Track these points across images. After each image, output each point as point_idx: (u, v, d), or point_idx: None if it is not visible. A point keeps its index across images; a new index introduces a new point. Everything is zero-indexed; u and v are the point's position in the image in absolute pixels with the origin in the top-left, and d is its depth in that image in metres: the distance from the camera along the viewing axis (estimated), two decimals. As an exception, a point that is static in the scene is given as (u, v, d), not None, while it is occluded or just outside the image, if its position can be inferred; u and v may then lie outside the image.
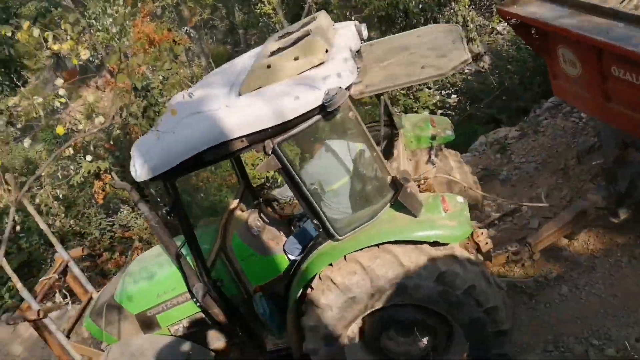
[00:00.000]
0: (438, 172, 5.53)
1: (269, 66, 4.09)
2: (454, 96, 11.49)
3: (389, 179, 4.43)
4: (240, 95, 4.11)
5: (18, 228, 10.89)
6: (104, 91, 14.44)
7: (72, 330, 5.68)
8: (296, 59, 4.08)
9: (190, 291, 4.89)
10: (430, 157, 5.56)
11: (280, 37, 4.66)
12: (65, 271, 5.72)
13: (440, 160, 5.71)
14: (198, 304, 4.95)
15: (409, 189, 4.24)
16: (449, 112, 11.30)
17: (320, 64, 4.07)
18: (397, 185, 4.35)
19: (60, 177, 9.39)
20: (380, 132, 5.29)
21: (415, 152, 5.66)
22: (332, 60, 4.07)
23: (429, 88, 11.10)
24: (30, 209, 5.35)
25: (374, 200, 4.49)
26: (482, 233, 5.23)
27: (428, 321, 4.62)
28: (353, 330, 4.73)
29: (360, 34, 4.63)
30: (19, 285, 4.49)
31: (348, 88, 3.95)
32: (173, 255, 4.74)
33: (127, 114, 5.00)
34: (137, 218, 10.95)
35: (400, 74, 4.17)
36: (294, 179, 4.16)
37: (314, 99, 3.80)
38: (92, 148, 9.50)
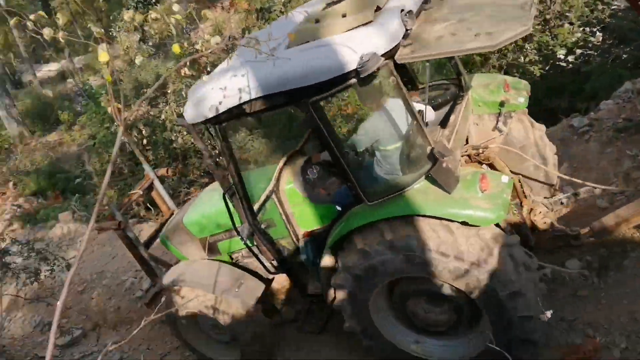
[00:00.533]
0: (505, 143, 5.25)
1: (317, 20, 4.06)
2: (598, 34, 9.94)
3: (428, 149, 4.18)
4: (288, 48, 4.06)
5: (145, 142, 11.49)
6: (229, 12, 14.47)
7: (152, 242, 6.29)
8: (344, 15, 3.97)
9: (236, 229, 5.08)
10: (497, 123, 5.26)
11: None
12: (151, 187, 6.17)
13: (512, 130, 5.40)
14: (243, 242, 5.13)
15: (444, 164, 4.03)
16: (590, 51, 9.84)
17: (367, 22, 3.92)
18: (434, 157, 4.10)
19: (184, 95, 9.63)
20: (446, 92, 5.24)
21: (483, 116, 5.37)
22: (378, 21, 3.92)
23: (571, 24, 9.64)
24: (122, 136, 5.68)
25: (407, 169, 4.42)
26: (539, 212, 5.07)
27: (454, 297, 4.48)
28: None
29: None
30: (106, 198, 4.89)
31: (391, 52, 3.83)
32: (224, 192, 4.92)
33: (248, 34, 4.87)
34: (253, 140, 11.02)
35: (451, 40, 3.81)
36: (327, 139, 4.14)
37: (348, 63, 3.72)
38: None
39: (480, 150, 5.04)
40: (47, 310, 8.42)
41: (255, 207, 5.10)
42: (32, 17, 2.93)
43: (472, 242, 4.09)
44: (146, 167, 6.40)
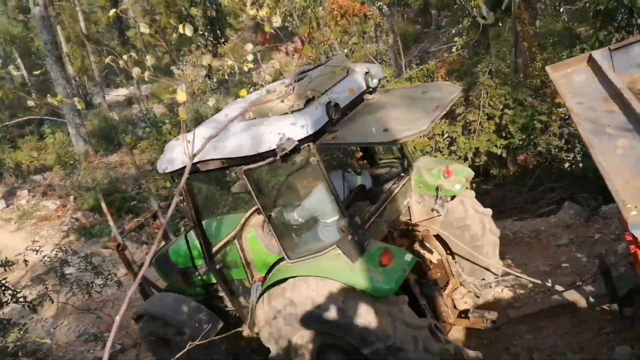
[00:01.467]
0: (444, 224, 5.91)
1: (264, 102, 4.75)
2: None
3: (340, 222, 4.84)
4: (240, 121, 4.82)
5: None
6: (292, 57, 15.12)
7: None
8: (283, 100, 4.55)
9: (194, 266, 5.94)
10: (435, 205, 5.80)
11: (302, 72, 5.20)
12: (155, 216, 7.06)
13: (454, 212, 5.96)
14: (199, 278, 6.03)
15: (349, 237, 4.69)
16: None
17: (297, 110, 4.59)
18: (342, 230, 4.79)
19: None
20: (391, 170, 5.98)
21: (424, 197, 5.94)
22: (305, 110, 4.60)
23: None
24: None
25: (323, 237, 5.06)
26: (460, 292, 5.70)
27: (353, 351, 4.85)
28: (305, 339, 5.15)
29: (366, 82, 5.17)
30: (111, 223, 6.44)
31: (313, 136, 4.48)
32: (185, 233, 5.86)
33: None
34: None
35: (363, 133, 4.57)
36: (258, 202, 4.88)
37: (269, 143, 4.43)
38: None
39: (410, 228, 5.74)
40: (92, 321, 8.82)
41: (216, 248, 5.82)
42: (124, 57, 3.33)
43: (366, 307, 4.58)
44: (152, 199, 7.47)
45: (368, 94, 5.26)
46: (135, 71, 3.36)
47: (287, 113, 4.59)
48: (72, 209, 14.72)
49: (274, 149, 4.42)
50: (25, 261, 8.38)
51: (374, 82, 5.23)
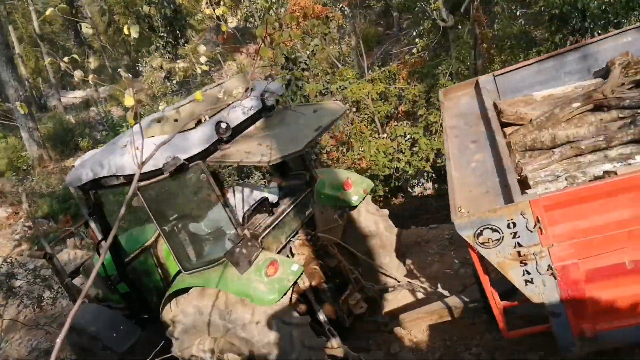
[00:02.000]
0: (354, 231, 6.36)
1: (159, 120, 4.85)
2: None
3: (230, 235, 5.18)
4: (147, 137, 4.86)
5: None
6: (254, 59, 14.93)
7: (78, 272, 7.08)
8: (176, 120, 4.84)
9: (107, 276, 6.09)
10: (335, 215, 6.23)
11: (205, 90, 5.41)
12: (87, 224, 6.84)
13: (363, 220, 6.37)
14: (111, 287, 6.17)
15: (237, 249, 4.94)
16: None
17: (187, 129, 4.80)
18: (230, 242, 5.10)
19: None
20: (298, 182, 6.21)
21: (327, 207, 6.29)
22: (195, 130, 4.86)
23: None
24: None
25: (215, 249, 5.34)
26: (355, 297, 5.94)
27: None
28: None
29: (263, 101, 5.40)
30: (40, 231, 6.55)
31: (201, 154, 4.78)
32: (96, 244, 6.08)
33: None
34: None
35: (244, 153, 4.80)
36: (152, 216, 5.17)
37: (157, 161, 4.62)
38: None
39: (311, 237, 5.96)
40: (45, 336, 8.45)
41: (132, 256, 6.10)
42: (65, 59, 3.13)
43: (254, 317, 4.88)
44: (82, 207, 7.14)
45: (266, 112, 5.50)
46: (77, 74, 3.18)
47: (178, 131, 4.69)
48: (25, 217, 14.14)
49: (159, 168, 4.67)
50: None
51: (269, 101, 5.47)
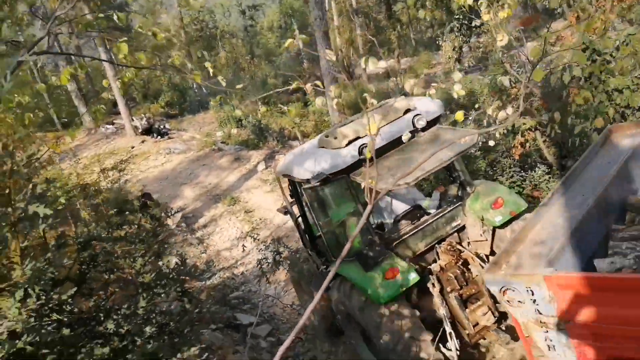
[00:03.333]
0: (481, 246, 6.58)
1: (327, 136, 6.21)
2: None
3: (364, 239, 6.20)
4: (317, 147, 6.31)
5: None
6: (552, 45, 13.28)
7: None
8: (335, 138, 6.01)
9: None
10: (481, 231, 6.43)
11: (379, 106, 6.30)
12: None
13: (499, 238, 6.42)
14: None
15: (364, 251, 6.05)
16: None
17: (337, 148, 5.91)
18: (363, 246, 6.14)
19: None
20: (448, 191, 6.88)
21: (477, 221, 6.45)
22: (342, 150, 5.88)
23: None
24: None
25: (352, 249, 6.06)
26: (481, 309, 6.13)
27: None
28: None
29: (414, 124, 6.04)
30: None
31: (345, 170, 5.84)
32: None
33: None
34: (548, 181, 10.16)
35: (379, 176, 5.54)
36: (311, 213, 6.70)
37: (307, 174, 5.93)
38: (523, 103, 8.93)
39: (452, 247, 6.39)
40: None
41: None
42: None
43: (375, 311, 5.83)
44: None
45: (417, 132, 6.10)
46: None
47: (332, 149, 6.00)
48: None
49: (308, 179, 5.89)
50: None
51: (420, 124, 6.05)
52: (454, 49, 15.38)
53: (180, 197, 16.50)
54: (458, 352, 5.90)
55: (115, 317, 3.99)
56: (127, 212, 13.17)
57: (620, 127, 5.64)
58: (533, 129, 9.31)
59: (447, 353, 5.92)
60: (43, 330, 3.41)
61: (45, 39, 4.27)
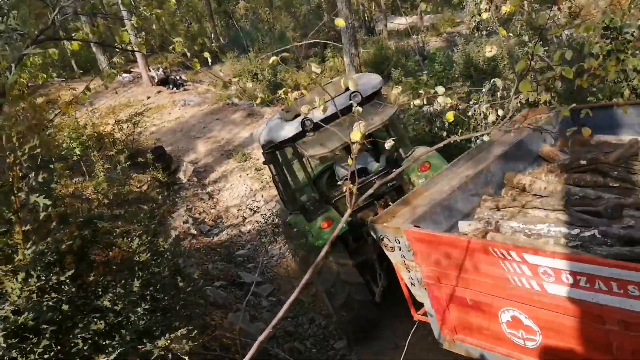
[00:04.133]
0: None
1: (284, 110, 7.43)
2: None
3: (307, 196, 7.66)
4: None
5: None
6: (575, 18, 12.70)
7: None
8: (287, 112, 7.23)
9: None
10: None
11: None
12: None
13: None
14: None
15: (306, 205, 7.49)
16: None
17: (288, 120, 7.20)
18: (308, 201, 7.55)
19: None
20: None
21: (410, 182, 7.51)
22: (291, 122, 7.15)
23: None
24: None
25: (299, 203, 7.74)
26: None
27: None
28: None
29: (356, 96, 6.66)
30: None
31: (292, 138, 7.11)
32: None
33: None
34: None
35: (322, 142, 6.85)
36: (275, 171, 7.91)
37: (266, 141, 7.48)
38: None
39: (387, 203, 7.09)
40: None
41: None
42: None
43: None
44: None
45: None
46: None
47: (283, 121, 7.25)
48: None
49: (263, 144, 7.45)
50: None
51: (356, 100, 6.48)
52: (472, 17, 14.89)
53: (194, 151, 16.60)
54: (383, 288, 7.12)
55: (111, 293, 4.14)
56: (140, 161, 13.36)
57: (536, 111, 6.77)
58: (547, 103, 9.09)
59: (376, 290, 7.19)
60: (44, 307, 3.64)
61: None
